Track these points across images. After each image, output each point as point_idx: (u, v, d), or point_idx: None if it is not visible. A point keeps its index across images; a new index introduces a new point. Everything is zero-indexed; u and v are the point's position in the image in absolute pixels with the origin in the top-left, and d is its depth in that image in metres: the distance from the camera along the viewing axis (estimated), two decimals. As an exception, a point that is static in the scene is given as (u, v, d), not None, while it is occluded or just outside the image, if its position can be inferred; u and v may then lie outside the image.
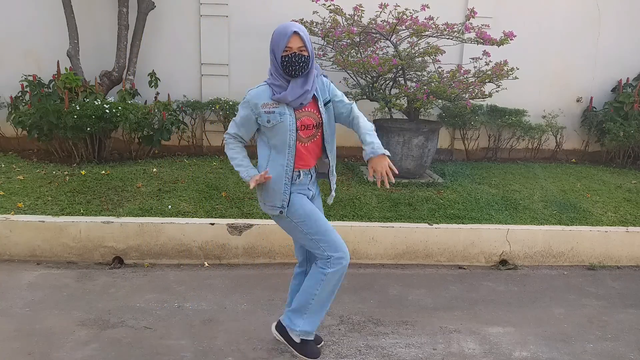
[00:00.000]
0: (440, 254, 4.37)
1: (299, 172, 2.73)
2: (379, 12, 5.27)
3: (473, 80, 5.21)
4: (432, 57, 5.35)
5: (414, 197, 4.85)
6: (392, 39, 5.29)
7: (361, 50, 5.38)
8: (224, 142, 2.82)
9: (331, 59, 5.47)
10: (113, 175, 4.97)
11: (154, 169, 5.25)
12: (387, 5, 5.23)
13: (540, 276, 4.25)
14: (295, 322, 2.81)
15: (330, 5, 5.32)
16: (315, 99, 2.71)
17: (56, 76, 5.52)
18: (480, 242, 4.38)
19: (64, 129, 5.09)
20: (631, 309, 3.71)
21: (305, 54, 2.60)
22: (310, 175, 2.79)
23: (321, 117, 2.71)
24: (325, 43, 5.60)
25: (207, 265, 4.18)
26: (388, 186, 2.63)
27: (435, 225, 4.38)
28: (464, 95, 5.13)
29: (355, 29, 5.18)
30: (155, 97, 6.04)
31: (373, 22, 5.29)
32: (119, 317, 3.29)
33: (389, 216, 4.49)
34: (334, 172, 2.89)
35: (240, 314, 3.41)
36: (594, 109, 6.75)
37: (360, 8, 5.31)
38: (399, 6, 5.14)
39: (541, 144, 6.65)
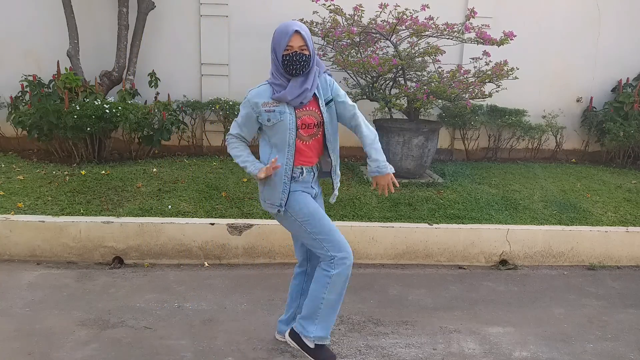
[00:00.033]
0: (440, 254, 4.37)
1: (302, 168, 2.72)
2: (379, 12, 5.27)
3: (473, 80, 5.21)
4: (432, 57, 5.35)
5: (414, 197, 4.85)
6: (392, 39, 5.29)
7: (361, 50, 5.38)
8: (227, 142, 2.81)
9: (331, 59, 5.47)
10: (113, 175, 4.97)
11: (154, 169, 5.25)
12: (387, 5, 5.23)
13: (540, 276, 4.25)
14: (308, 329, 2.75)
15: (330, 5, 5.32)
16: (316, 97, 2.70)
17: (56, 76, 5.52)
18: (480, 242, 4.38)
19: (64, 129, 5.09)
20: (631, 309, 3.71)
21: (307, 53, 2.59)
22: (312, 173, 2.78)
23: (322, 116, 2.70)
24: (325, 43, 5.61)
25: (207, 265, 4.18)
26: (387, 195, 2.73)
27: (435, 225, 4.38)
28: (464, 95, 5.13)
29: (355, 29, 5.18)
30: (155, 97, 6.04)
31: (373, 22, 5.29)
32: (119, 317, 3.29)
33: (389, 216, 4.49)
34: (337, 171, 2.87)
35: (240, 314, 3.41)
36: (594, 109, 6.75)
37: (360, 8, 5.31)
38: (399, 6, 5.14)
39: (541, 144, 6.65)
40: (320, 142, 2.76)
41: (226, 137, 2.83)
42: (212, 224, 4.18)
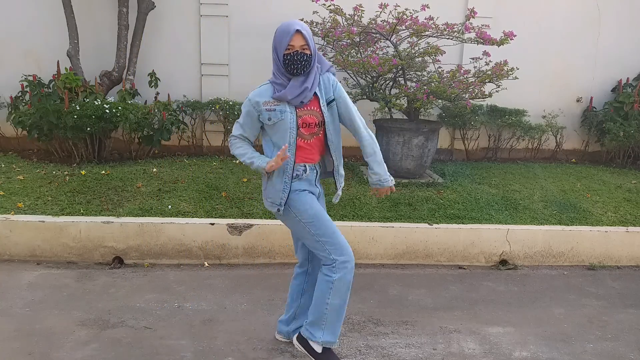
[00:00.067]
0: (440, 254, 4.37)
1: (305, 166, 2.71)
2: (379, 12, 5.27)
3: (473, 80, 5.21)
4: (432, 57, 5.35)
5: (414, 197, 4.85)
6: (392, 39, 5.29)
7: (361, 50, 5.38)
8: (230, 145, 2.80)
9: (331, 59, 5.46)
10: (113, 175, 4.97)
11: (154, 169, 5.25)
12: (387, 5, 5.23)
13: (540, 276, 4.25)
14: (315, 335, 2.74)
15: (330, 5, 5.32)
16: (317, 97, 2.69)
17: (56, 76, 5.52)
18: (480, 242, 4.38)
19: (64, 129, 5.09)
20: (631, 309, 3.71)
21: (308, 52, 2.59)
22: (316, 171, 2.77)
23: (323, 115, 2.70)
24: (325, 43, 5.61)
25: (207, 265, 4.18)
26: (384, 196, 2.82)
27: (435, 225, 4.38)
28: (464, 95, 5.13)
29: (355, 29, 5.18)
30: (155, 97, 6.04)
31: (373, 22, 5.29)
32: (119, 317, 3.29)
33: (389, 216, 4.49)
34: (341, 171, 2.86)
35: (240, 314, 3.41)
36: (594, 109, 6.75)
37: (360, 8, 5.31)
38: (399, 6, 5.14)
39: (541, 144, 6.65)
40: (322, 140, 2.76)
41: (228, 139, 2.82)
42: (212, 224, 4.18)
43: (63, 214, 4.21)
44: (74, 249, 4.11)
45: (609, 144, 6.39)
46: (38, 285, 3.68)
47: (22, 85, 5.69)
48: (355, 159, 6.31)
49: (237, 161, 5.73)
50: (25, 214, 4.19)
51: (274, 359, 2.92)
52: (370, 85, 5.49)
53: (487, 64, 5.35)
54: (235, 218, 4.32)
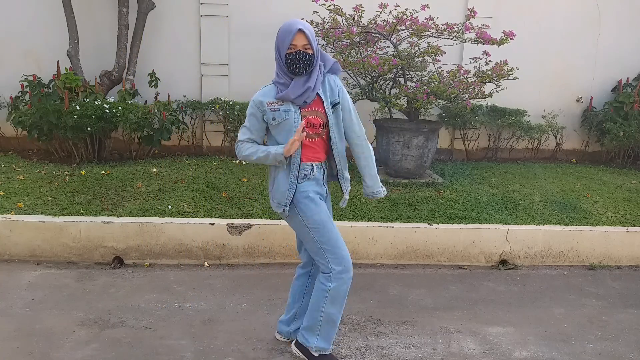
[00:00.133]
0: (440, 254, 4.37)
1: (312, 165, 2.70)
2: (379, 12, 5.27)
3: (473, 80, 5.21)
4: (432, 57, 5.35)
5: (414, 197, 4.85)
6: (392, 39, 5.29)
7: (361, 50, 5.38)
8: (237, 150, 2.74)
9: (331, 59, 5.47)
10: (113, 175, 4.97)
11: (154, 169, 5.25)
12: (387, 5, 5.23)
13: (540, 276, 4.25)
14: (309, 340, 2.78)
15: (330, 5, 5.32)
16: (320, 98, 2.67)
17: (56, 76, 5.52)
18: (480, 242, 4.38)
19: (64, 129, 5.09)
20: (631, 309, 3.71)
21: (310, 52, 2.58)
22: (322, 170, 2.76)
23: (327, 116, 2.68)
24: (325, 43, 5.60)
25: (207, 265, 4.18)
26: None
27: (435, 225, 4.38)
28: (464, 95, 5.13)
29: (355, 29, 5.18)
30: (155, 97, 6.04)
31: (373, 22, 5.29)
32: (119, 317, 3.29)
33: (389, 216, 4.49)
34: (346, 175, 2.83)
35: (240, 314, 3.41)
36: (594, 109, 6.75)
37: (360, 8, 5.31)
38: (399, 6, 5.14)
39: (541, 144, 6.65)
40: (326, 141, 2.74)
41: (235, 145, 2.76)
42: (212, 224, 4.18)
43: (63, 214, 4.21)
44: (74, 249, 4.11)
45: (609, 144, 6.39)
46: (38, 285, 3.68)
47: (22, 85, 5.69)
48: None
49: (237, 161, 5.75)
50: (25, 214, 4.19)
51: (274, 359, 2.92)
52: (370, 85, 5.49)
53: (487, 64, 5.35)
54: (235, 218, 4.32)
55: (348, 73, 5.56)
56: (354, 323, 3.33)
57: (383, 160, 5.48)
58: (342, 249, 2.67)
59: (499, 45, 5.08)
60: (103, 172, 5.01)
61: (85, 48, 5.88)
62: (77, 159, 5.45)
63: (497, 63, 5.20)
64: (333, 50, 5.53)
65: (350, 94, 5.55)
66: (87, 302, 3.46)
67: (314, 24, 5.57)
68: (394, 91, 5.60)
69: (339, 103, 2.71)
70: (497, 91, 5.34)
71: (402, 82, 5.43)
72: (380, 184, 2.87)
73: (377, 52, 5.39)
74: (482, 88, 5.15)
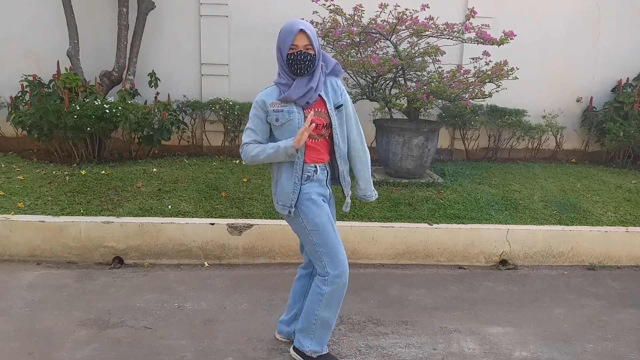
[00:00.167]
0: (440, 254, 4.37)
1: (315, 166, 2.69)
2: (379, 12, 5.27)
3: (473, 80, 5.21)
4: (432, 57, 5.35)
5: (414, 197, 4.85)
6: (392, 39, 5.29)
7: (361, 50, 5.38)
8: (242, 154, 2.70)
9: (331, 59, 5.47)
10: (113, 175, 4.97)
11: (154, 169, 5.25)
12: (387, 5, 5.23)
13: (540, 276, 4.24)
14: (303, 344, 2.79)
15: (330, 5, 5.32)
16: (323, 99, 2.67)
17: (56, 76, 5.52)
18: (480, 242, 4.38)
19: (64, 129, 5.09)
20: (631, 309, 3.71)
21: (312, 52, 2.57)
22: (326, 171, 2.75)
23: (330, 118, 2.67)
24: (325, 43, 5.61)
25: (207, 265, 4.18)
26: None
27: (435, 225, 4.38)
28: (464, 95, 5.13)
29: (355, 29, 5.19)
30: (155, 97, 6.04)
31: (373, 22, 5.29)
32: (119, 317, 3.29)
33: (389, 216, 4.49)
34: (347, 178, 2.81)
35: (240, 314, 3.41)
36: (594, 109, 6.75)
37: (360, 8, 5.31)
38: (399, 6, 5.14)
39: (541, 144, 6.65)
40: (329, 142, 2.73)
41: (240, 149, 2.73)
42: (212, 224, 4.18)
43: (63, 214, 4.21)
44: (74, 249, 4.11)
45: (609, 144, 6.39)
46: (38, 285, 3.68)
47: (22, 85, 5.69)
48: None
49: (237, 161, 5.76)
50: (25, 214, 4.19)
51: (274, 359, 2.92)
52: (370, 85, 5.49)
53: (487, 64, 5.35)
54: (235, 218, 4.32)
55: (348, 73, 5.56)
56: (354, 323, 3.33)
57: (383, 160, 5.48)
58: (339, 253, 2.66)
59: (499, 45, 5.08)
60: (103, 172, 5.01)
61: (85, 48, 5.88)
62: (77, 159, 5.45)
63: (497, 63, 5.20)
64: (333, 50, 5.53)
65: (350, 94, 5.57)
66: (87, 302, 3.46)
67: (314, 24, 5.57)
68: (394, 91, 5.60)
69: (342, 105, 2.71)
70: (497, 91, 5.34)
71: (402, 82, 5.43)
72: (373, 187, 2.88)
73: (377, 52, 5.39)
74: (482, 88, 5.15)
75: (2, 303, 3.41)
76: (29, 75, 5.68)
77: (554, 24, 6.59)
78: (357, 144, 2.78)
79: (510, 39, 5.03)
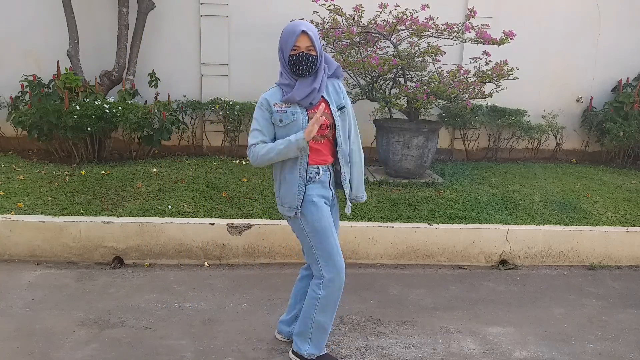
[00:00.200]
0: (440, 254, 4.37)
1: (318, 168, 2.68)
2: (379, 12, 5.27)
3: (473, 80, 5.21)
4: (432, 57, 5.35)
5: (414, 197, 4.85)
6: (392, 39, 5.29)
7: (361, 50, 5.38)
8: (250, 155, 2.67)
9: (331, 59, 5.47)
10: (113, 175, 4.97)
11: (154, 169, 5.25)
12: (387, 5, 5.23)
13: (540, 276, 4.24)
14: (301, 347, 2.80)
15: (330, 5, 5.32)
16: (325, 100, 2.67)
17: (56, 76, 5.52)
18: (480, 242, 4.38)
19: (64, 129, 5.09)
20: (631, 309, 3.71)
21: (314, 53, 2.57)
22: (329, 173, 2.75)
23: (333, 118, 2.67)
24: (325, 43, 5.60)
25: (207, 265, 4.18)
26: None
27: (435, 225, 4.38)
28: (464, 95, 5.13)
29: (355, 29, 5.19)
30: (155, 97, 6.04)
31: (373, 22, 5.29)
32: (119, 317, 3.29)
33: (389, 216, 4.49)
34: (348, 182, 2.81)
35: (240, 314, 3.41)
36: (594, 109, 6.75)
37: (360, 8, 5.31)
38: (399, 6, 5.14)
39: (541, 144, 6.65)
40: (332, 143, 2.73)
41: (247, 152, 2.69)
42: (212, 224, 4.18)
43: (63, 214, 4.21)
44: (74, 249, 4.11)
45: (609, 144, 6.39)
46: (38, 285, 3.68)
47: (22, 85, 5.69)
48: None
49: (237, 161, 5.76)
50: (25, 214, 4.19)
51: (274, 359, 2.92)
52: (370, 85, 5.49)
53: (487, 64, 5.35)
54: (235, 218, 4.32)
55: (348, 73, 5.56)
56: (354, 323, 3.33)
57: (383, 160, 5.48)
58: (336, 258, 2.66)
59: (499, 45, 5.08)
60: (103, 172, 5.01)
61: (85, 48, 5.88)
62: (77, 159, 5.45)
63: (497, 63, 5.20)
64: (333, 50, 5.53)
65: (350, 94, 5.57)
66: (87, 302, 3.46)
67: (314, 24, 5.57)
68: (394, 91, 5.60)
69: (344, 106, 2.72)
70: (497, 91, 5.34)
71: (402, 82, 5.43)
72: (364, 189, 2.89)
73: (377, 52, 5.39)
74: (482, 88, 5.15)
75: (2, 303, 3.41)
76: (29, 75, 5.68)
77: (554, 24, 6.59)
78: (354, 145, 2.78)
79: (510, 39, 5.03)
